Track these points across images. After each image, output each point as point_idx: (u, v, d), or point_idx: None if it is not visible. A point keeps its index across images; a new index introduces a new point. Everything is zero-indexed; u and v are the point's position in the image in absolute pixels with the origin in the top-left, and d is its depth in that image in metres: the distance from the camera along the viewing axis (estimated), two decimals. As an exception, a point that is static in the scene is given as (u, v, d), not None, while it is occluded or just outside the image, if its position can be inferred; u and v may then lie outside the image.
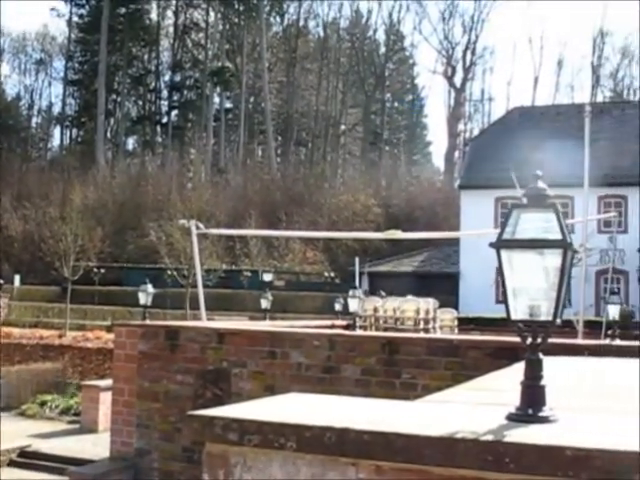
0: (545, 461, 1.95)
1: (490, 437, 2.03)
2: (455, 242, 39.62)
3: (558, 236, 2.19)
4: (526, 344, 2.28)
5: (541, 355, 2.28)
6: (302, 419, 2.23)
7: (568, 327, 17.50)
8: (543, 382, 2.27)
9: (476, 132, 63.89)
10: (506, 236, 2.23)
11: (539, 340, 2.27)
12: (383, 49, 74.52)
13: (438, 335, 15.50)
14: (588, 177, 14.06)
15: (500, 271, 2.24)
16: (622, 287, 38.65)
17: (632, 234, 37.87)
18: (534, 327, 2.26)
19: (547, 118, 44.14)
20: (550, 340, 7.59)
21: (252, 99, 72.06)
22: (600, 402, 4.32)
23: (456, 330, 18.14)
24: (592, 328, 15.90)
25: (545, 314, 2.23)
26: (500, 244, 2.23)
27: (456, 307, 26.51)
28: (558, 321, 2.24)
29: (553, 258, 2.20)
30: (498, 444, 2.00)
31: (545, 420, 2.22)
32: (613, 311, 10.11)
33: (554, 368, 6.62)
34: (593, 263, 32.23)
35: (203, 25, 74.19)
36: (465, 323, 19.09)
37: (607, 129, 39.89)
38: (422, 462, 2.06)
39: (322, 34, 74.66)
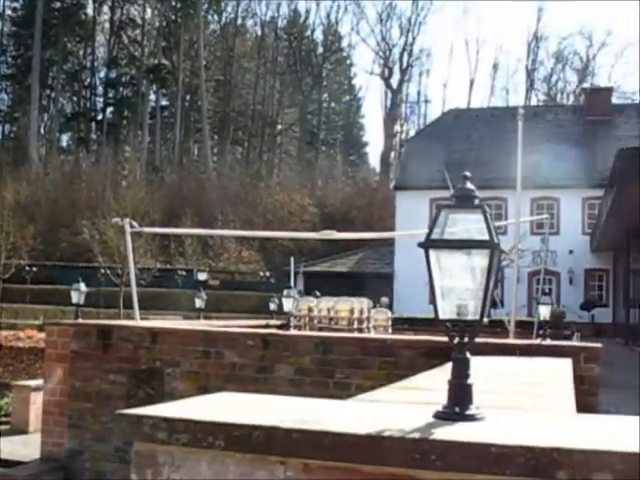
0: (470, 458, 1.98)
1: (417, 435, 2.05)
2: (390, 243, 39.95)
3: (485, 237, 2.22)
4: (453, 343, 2.31)
5: (468, 354, 2.31)
6: (231, 418, 2.23)
7: (500, 327, 17.76)
8: (470, 381, 2.29)
9: (412, 133, 64.43)
10: (434, 236, 2.25)
11: (466, 339, 2.29)
12: (321, 49, 74.69)
13: (372, 335, 15.58)
14: (521, 179, 14.24)
15: (428, 271, 2.26)
16: (554, 288, 39.37)
17: (564, 236, 38.61)
18: (461, 326, 2.28)
19: (482, 120, 44.72)
20: (482, 340, 7.71)
21: (188, 97, 71.56)
22: (529, 400, 4.40)
23: (390, 330, 18.26)
24: (524, 328, 16.12)
25: (472, 313, 2.26)
26: (428, 244, 2.25)
27: (390, 307, 26.70)
28: (485, 320, 2.26)
29: (480, 258, 2.23)
30: (424, 442, 2.02)
31: (471, 418, 2.25)
32: (544, 311, 10.30)
33: (485, 367, 6.71)
34: (526, 264, 32.67)
35: (140, 21, 73.48)
36: (399, 323, 19.27)
37: (541, 132, 40.52)
38: (350, 460, 2.07)
39: (260, 33, 74.54)
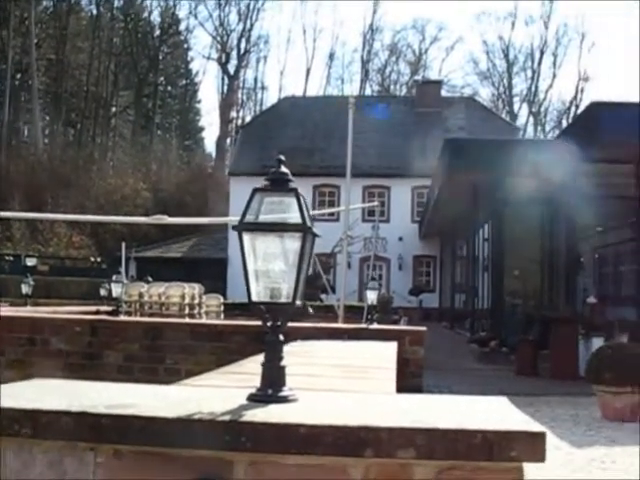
0: (280, 439, 2.00)
1: (227, 417, 2.05)
2: (224, 228, 39.86)
3: (298, 220, 2.24)
4: (267, 326, 2.33)
5: (281, 336, 2.33)
6: (39, 404, 2.16)
7: (331, 312, 18.10)
8: (283, 363, 2.32)
9: (248, 120, 64.39)
10: (249, 219, 2.26)
11: (279, 322, 2.32)
12: (158, 32, 73.38)
13: (203, 320, 15.56)
14: (351, 167, 14.53)
15: (242, 254, 2.27)
16: (384, 273, 40.49)
17: (394, 223, 39.72)
18: (275, 309, 2.31)
19: (317, 108, 45.25)
20: (312, 324, 7.84)
21: (19, 76, 68.80)
22: (351, 382, 4.50)
23: (222, 315, 18.29)
24: (354, 313, 16.50)
25: (285, 296, 2.28)
26: (242, 227, 2.26)
27: (224, 293, 26.69)
28: (298, 303, 2.29)
29: (293, 241, 2.25)
30: (234, 424, 2.02)
31: (284, 400, 2.28)
32: (372, 296, 10.53)
33: (312, 351, 6.81)
34: (357, 251, 33.46)
35: (-35, -6, 70.06)
36: (232, 309, 19.26)
37: (373, 122, 41.44)
38: (160, 444, 2.05)
39: (95, 12, 72.44)
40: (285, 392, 2.30)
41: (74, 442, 2.11)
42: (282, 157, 2.35)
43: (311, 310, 19.68)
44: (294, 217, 2.26)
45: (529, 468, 2.05)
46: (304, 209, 2.24)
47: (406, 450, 1.99)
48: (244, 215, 2.25)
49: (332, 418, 2.08)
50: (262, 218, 2.27)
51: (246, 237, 2.26)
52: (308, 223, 2.24)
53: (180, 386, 3.43)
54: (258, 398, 2.27)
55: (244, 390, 2.36)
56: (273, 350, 2.32)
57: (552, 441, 8.69)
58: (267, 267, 2.28)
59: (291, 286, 2.27)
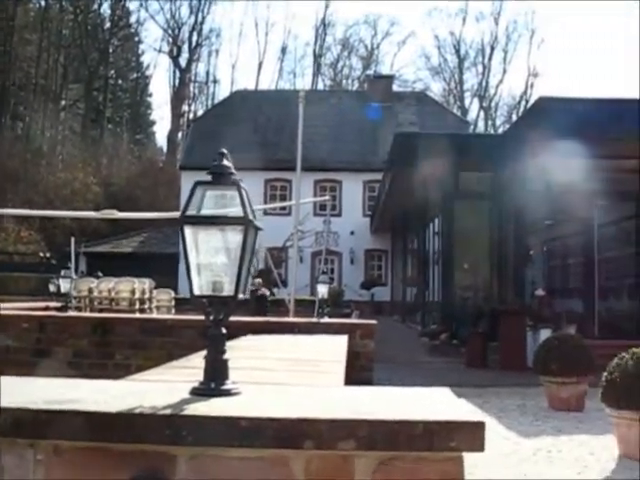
0: (221, 432, 2.00)
1: (169, 411, 2.05)
2: (175, 222, 39.55)
3: (240, 213, 2.24)
4: (209, 320, 2.32)
5: (224, 330, 2.33)
6: (-24, 401, 2.13)
7: (283, 306, 18.11)
8: (226, 356, 2.32)
9: (200, 113, 64.05)
10: (191, 213, 2.25)
11: (222, 315, 2.32)
12: (108, 24, 72.59)
13: (153, 315, 15.49)
14: (302, 161, 14.54)
15: (184, 248, 2.26)
16: (336, 267, 40.57)
17: (345, 217, 39.80)
18: (217, 302, 2.31)
19: (269, 102, 45.17)
20: (264, 319, 7.91)
21: (-36, 68, 67.76)
22: (298, 375, 4.51)
23: (173, 310, 18.23)
24: (306, 307, 16.55)
25: (227, 290, 2.28)
26: (184, 220, 2.25)
27: (176, 287, 26.55)
28: (240, 296, 2.29)
29: (235, 234, 2.25)
30: (176, 418, 2.02)
31: (227, 393, 2.28)
32: (322, 290, 10.55)
33: (262, 345, 6.81)
34: (308, 245, 33.48)
35: None
36: (183, 303, 19.19)
37: (325, 116, 41.50)
38: (100, 439, 2.04)
39: (43, 3, 71.42)
40: (228, 385, 2.30)
41: (12, 439, 2.08)
42: (224, 150, 2.34)
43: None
44: (236, 210, 2.25)
45: (476, 458, 2.08)
46: (246, 202, 2.24)
47: (346, 442, 2.00)
48: (186, 209, 2.25)
49: (274, 411, 2.08)
50: (204, 212, 2.26)
51: (188, 231, 2.26)
52: (250, 216, 2.24)
53: (125, 381, 3.41)
54: (201, 392, 2.27)
55: (189, 384, 2.36)
56: (216, 343, 2.32)
57: (500, 431, 8.78)
58: (209, 260, 2.28)
59: (233, 279, 2.27)
